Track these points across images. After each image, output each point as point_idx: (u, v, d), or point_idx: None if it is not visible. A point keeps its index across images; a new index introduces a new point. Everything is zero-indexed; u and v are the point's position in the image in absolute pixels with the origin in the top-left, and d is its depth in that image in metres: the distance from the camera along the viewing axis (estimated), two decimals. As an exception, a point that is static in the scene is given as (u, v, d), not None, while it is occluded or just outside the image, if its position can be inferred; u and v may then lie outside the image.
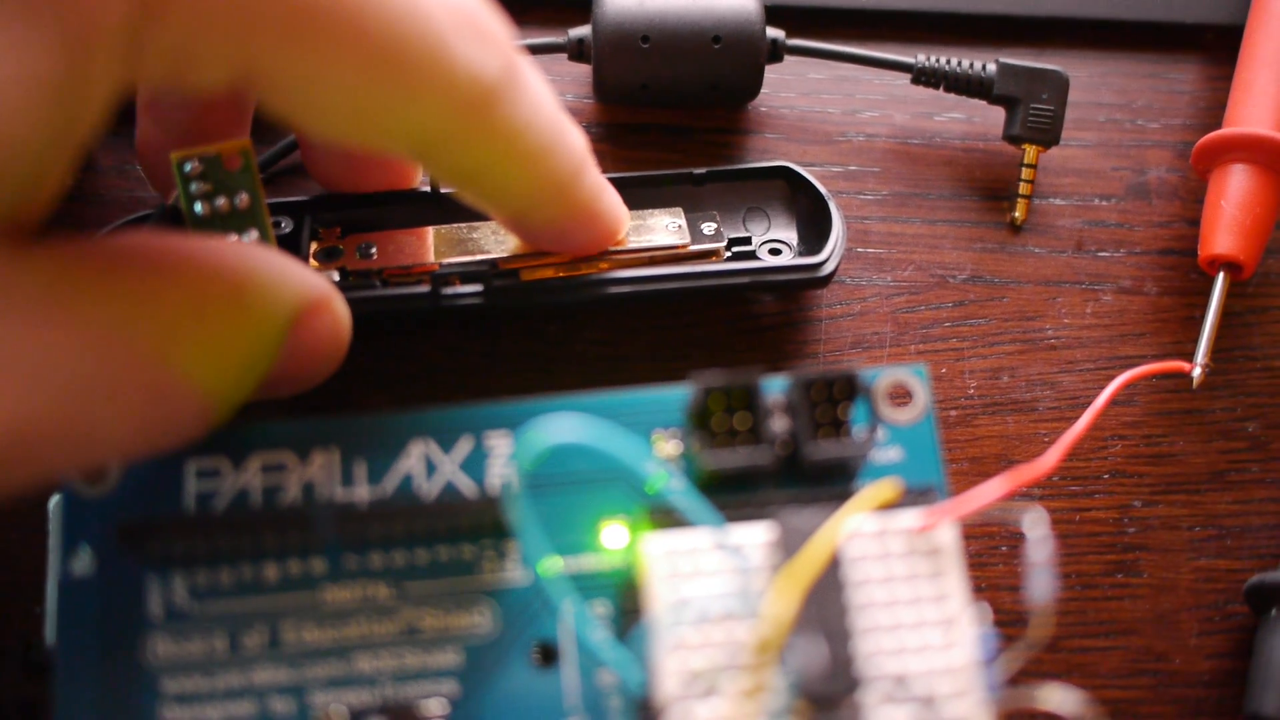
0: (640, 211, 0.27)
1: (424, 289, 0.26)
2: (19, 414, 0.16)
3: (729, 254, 0.28)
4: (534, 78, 0.21)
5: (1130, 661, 0.27)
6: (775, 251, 0.28)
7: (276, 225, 0.27)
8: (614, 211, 0.25)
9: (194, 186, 0.22)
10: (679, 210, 0.28)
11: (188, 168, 0.22)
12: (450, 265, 0.26)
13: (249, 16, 0.16)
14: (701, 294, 0.27)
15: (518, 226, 0.25)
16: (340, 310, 0.21)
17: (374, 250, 0.27)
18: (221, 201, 0.23)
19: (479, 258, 0.26)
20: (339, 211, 0.27)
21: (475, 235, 0.27)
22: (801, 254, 0.28)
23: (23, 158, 0.15)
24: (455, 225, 0.27)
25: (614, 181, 0.25)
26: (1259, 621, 0.27)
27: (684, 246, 0.27)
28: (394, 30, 0.18)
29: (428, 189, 0.27)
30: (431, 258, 0.26)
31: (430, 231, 0.27)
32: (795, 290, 0.29)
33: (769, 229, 0.29)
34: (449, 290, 0.26)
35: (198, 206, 0.23)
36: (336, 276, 0.26)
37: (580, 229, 0.25)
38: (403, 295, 0.26)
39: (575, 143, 0.22)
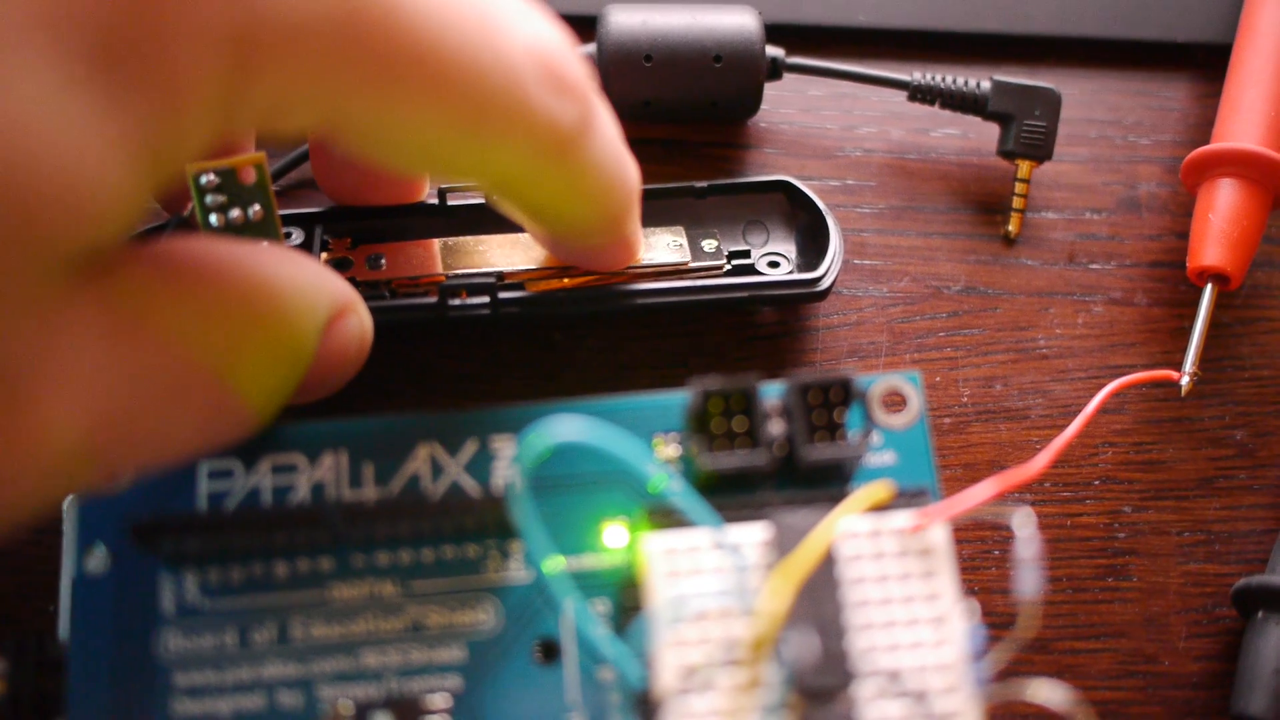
0: (643, 229, 0.28)
1: (431, 300, 0.26)
2: (90, 419, 0.17)
3: (729, 267, 0.28)
4: (606, 120, 0.22)
5: (1120, 663, 0.28)
6: (774, 264, 0.29)
7: (288, 236, 0.27)
8: (641, 238, 0.26)
9: (209, 199, 0.23)
10: (680, 229, 0.28)
11: (203, 180, 0.23)
12: (457, 276, 0.27)
13: (340, 70, 0.17)
14: (702, 306, 0.27)
15: (557, 246, 0.25)
16: (364, 315, 0.22)
17: (383, 261, 0.27)
18: (236, 213, 0.23)
19: (486, 270, 0.27)
20: (349, 223, 0.28)
21: (482, 248, 0.27)
22: (800, 266, 0.29)
23: (113, 209, 0.16)
24: (463, 238, 0.28)
25: None
26: (1246, 624, 0.27)
27: (685, 264, 0.28)
28: (477, 80, 0.18)
29: (435, 201, 0.28)
30: (439, 269, 0.27)
31: (438, 243, 0.28)
32: (793, 304, 0.30)
33: (768, 241, 0.30)
34: (456, 301, 0.26)
35: (213, 218, 0.23)
36: (347, 282, 0.27)
37: (617, 254, 0.25)
38: (410, 305, 0.26)
39: (633, 179, 0.23)
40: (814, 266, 0.28)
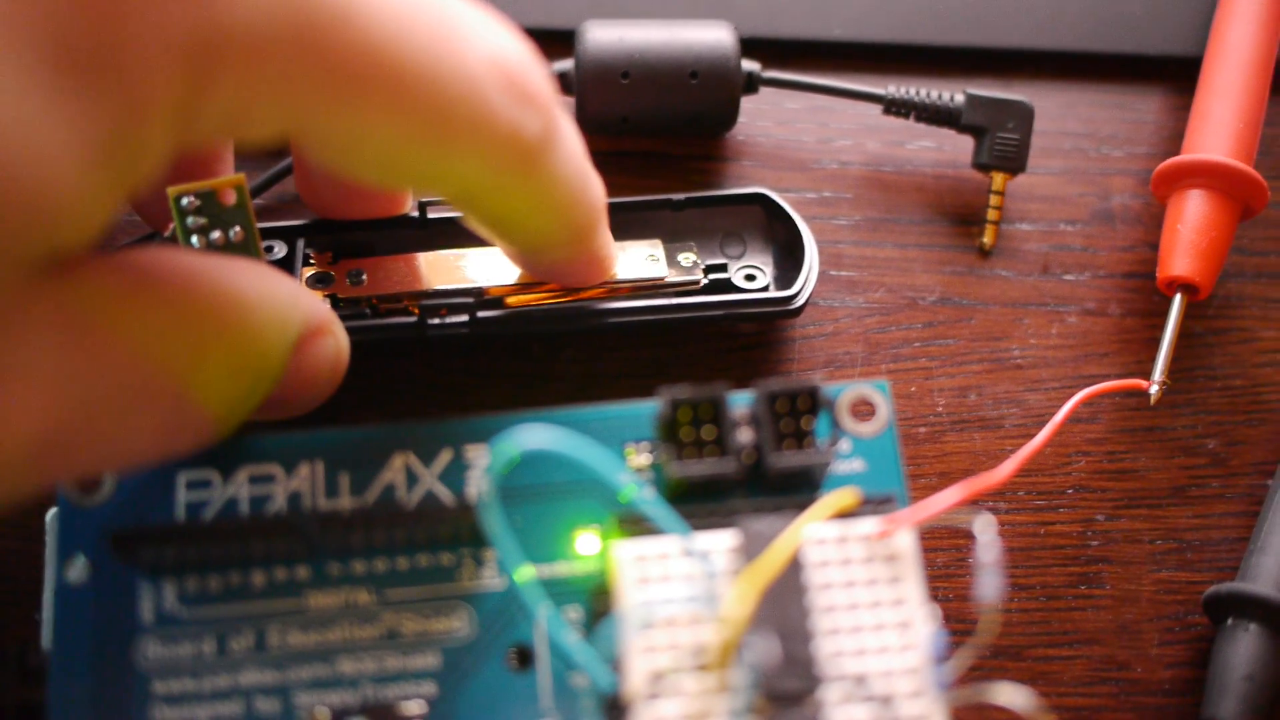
0: (620, 242, 0.28)
1: (411, 319, 0.27)
2: (48, 423, 0.17)
3: (705, 280, 0.29)
4: (569, 132, 0.22)
5: (1093, 670, 0.28)
6: (750, 277, 0.29)
7: (269, 250, 0.28)
8: (613, 252, 0.26)
9: (190, 220, 0.23)
10: (658, 242, 0.29)
11: (184, 202, 0.23)
12: (438, 294, 0.27)
13: (298, 79, 0.17)
14: (678, 322, 0.28)
15: (527, 261, 0.26)
16: (340, 335, 0.22)
17: (364, 276, 0.28)
18: (216, 235, 0.23)
19: (466, 285, 0.27)
20: (330, 236, 0.28)
21: (462, 263, 0.28)
22: (777, 279, 0.29)
23: (72, 213, 0.16)
24: (444, 253, 0.28)
25: None
26: (1216, 631, 0.28)
27: (662, 279, 0.28)
28: (437, 90, 0.18)
29: (416, 214, 0.28)
30: (421, 284, 0.27)
31: (420, 258, 0.28)
32: (770, 320, 0.30)
33: (745, 254, 0.30)
34: (435, 320, 0.27)
35: (194, 240, 0.23)
36: (326, 303, 0.27)
37: (587, 269, 0.26)
38: (391, 325, 0.27)
39: (598, 193, 0.23)
40: (791, 279, 0.28)
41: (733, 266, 0.29)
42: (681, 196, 0.29)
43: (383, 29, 0.18)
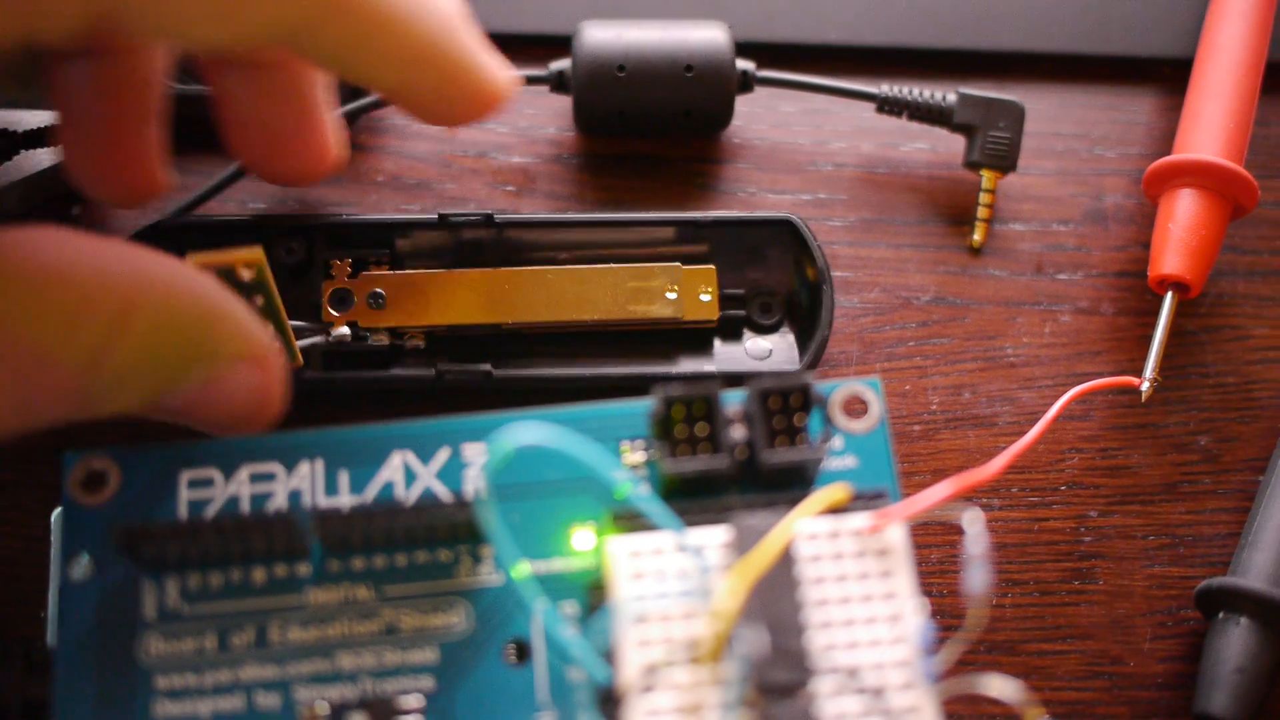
0: (642, 267, 0.29)
1: (429, 373, 0.28)
2: None
3: (718, 319, 0.29)
4: None
5: (1086, 665, 0.28)
6: (766, 307, 0.30)
7: (288, 250, 0.28)
8: (494, 68, 0.24)
9: None
10: (677, 266, 0.29)
11: None
12: (457, 337, 0.28)
13: None
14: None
15: (406, 103, 0.24)
16: (273, 374, 0.22)
17: (384, 297, 0.28)
18: (241, 294, 0.24)
19: (487, 321, 0.28)
20: (349, 230, 0.29)
21: (486, 283, 0.29)
22: (791, 308, 0.30)
23: None
24: (467, 272, 0.29)
25: (617, 223, 0.28)
26: (1208, 625, 0.28)
27: (679, 319, 0.29)
28: None
29: (435, 218, 0.29)
30: (443, 315, 0.28)
31: (443, 279, 0.28)
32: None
33: (765, 275, 0.30)
34: (451, 371, 0.28)
35: None
36: (347, 331, 0.28)
37: (463, 90, 0.24)
38: (407, 377, 0.28)
39: (442, 4, 0.22)
40: (811, 315, 0.29)
41: (753, 304, 0.30)
42: (707, 217, 0.29)
43: None
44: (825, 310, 0.29)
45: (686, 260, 0.29)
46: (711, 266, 0.29)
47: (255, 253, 0.23)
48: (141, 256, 0.20)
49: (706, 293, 0.29)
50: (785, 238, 0.30)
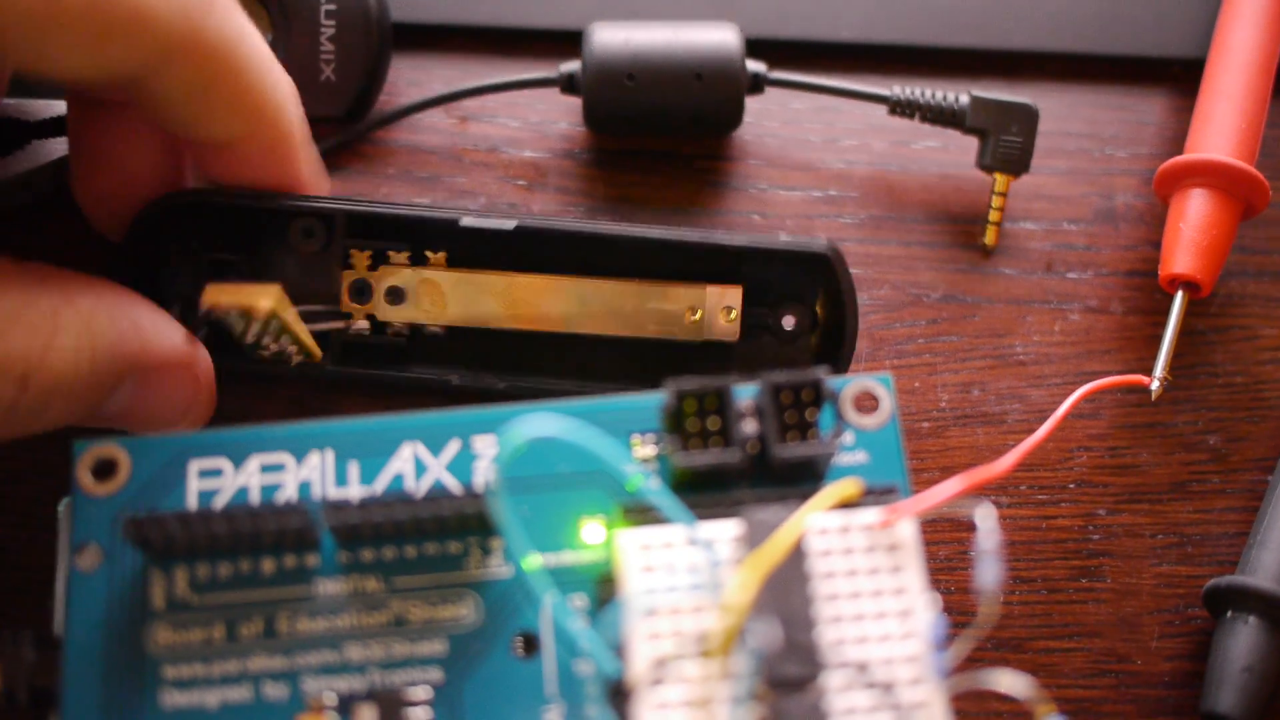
0: (667, 287, 0.28)
1: (446, 379, 0.28)
2: None
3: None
4: (235, 9, 0.23)
5: (1093, 662, 0.28)
6: (789, 325, 0.29)
7: (308, 234, 0.28)
8: (316, 157, 0.27)
9: (232, 325, 0.24)
10: (702, 290, 0.28)
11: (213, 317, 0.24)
12: (467, 321, 0.28)
13: None
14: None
15: (240, 154, 0.25)
16: (199, 374, 0.24)
17: (404, 294, 0.28)
18: (257, 331, 0.24)
19: (491, 326, 0.28)
20: (371, 237, 0.28)
21: (506, 287, 0.28)
22: (814, 333, 0.29)
23: None
24: (487, 277, 0.28)
25: (642, 241, 0.27)
26: (1216, 624, 0.28)
27: (697, 340, 0.29)
28: None
29: (458, 218, 0.28)
30: (458, 318, 0.28)
31: (461, 278, 0.28)
32: None
33: (791, 292, 0.29)
34: (465, 382, 0.28)
35: (240, 334, 0.24)
36: (366, 324, 0.28)
37: (284, 157, 0.26)
38: (425, 379, 0.28)
39: (283, 76, 0.24)
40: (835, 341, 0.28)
41: (777, 318, 0.29)
42: (738, 245, 0.28)
43: None
44: (847, 346, 0.28)
45: (713, 273, 0.29)
46: (739, 287, 0.28)
47: (267, 303, 0.23)
48: (65, 278, 0.21)
49: (731, 312, 0.29)
50: (818, 264, 0.28)
